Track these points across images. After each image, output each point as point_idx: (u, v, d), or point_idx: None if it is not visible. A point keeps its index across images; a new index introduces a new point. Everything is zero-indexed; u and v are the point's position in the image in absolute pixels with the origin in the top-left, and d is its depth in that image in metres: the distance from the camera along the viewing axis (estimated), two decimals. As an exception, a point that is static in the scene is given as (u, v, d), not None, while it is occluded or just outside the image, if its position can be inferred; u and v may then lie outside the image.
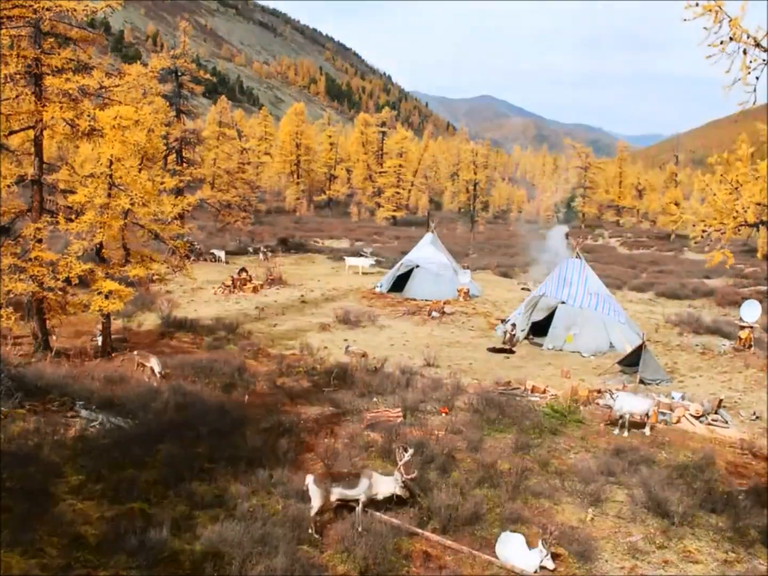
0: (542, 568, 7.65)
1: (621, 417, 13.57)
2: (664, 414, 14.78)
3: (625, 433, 13.31)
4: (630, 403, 13.64)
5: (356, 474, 8.86)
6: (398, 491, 8.84)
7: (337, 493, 8.52)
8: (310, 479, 8.50)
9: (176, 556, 7.29)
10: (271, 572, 7.09)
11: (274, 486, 9.35)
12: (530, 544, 8.14)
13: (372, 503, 8.90)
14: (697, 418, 14.74)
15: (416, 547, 8.36)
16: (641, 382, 17.67)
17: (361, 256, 39.15)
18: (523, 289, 32.66)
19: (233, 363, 15.89)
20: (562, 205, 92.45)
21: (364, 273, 34.05)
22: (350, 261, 35.41)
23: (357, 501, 8.71)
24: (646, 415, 13.79)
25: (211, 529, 7.86)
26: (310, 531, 8.25)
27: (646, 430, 13.67)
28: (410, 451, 9.09)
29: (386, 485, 8.79)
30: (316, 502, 8.39)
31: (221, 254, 35.76)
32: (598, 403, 15.23)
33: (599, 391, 15.92)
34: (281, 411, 13.07)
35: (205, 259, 34.96)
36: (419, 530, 8.73)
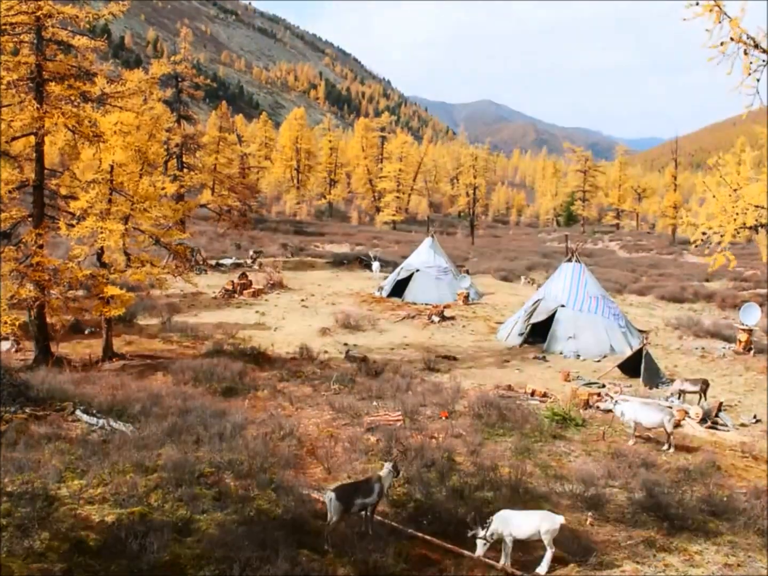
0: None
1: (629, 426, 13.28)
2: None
3: (631, 442, 13.13)
4: (633, 411, 13.17)
5: (367, 480, 8.79)
6: (392, 477, 8.98)
7: (358, 504, 8.43)
8: (332, 495, 8.27)
9: (177, 560, 7.29)
10: (272, 575, 7.10)
11: (275, 489, 9.37)
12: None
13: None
14: (697, 421, 14.75)
15: (416, 551, 8.36)
16: (647, 386, 17.65)
17: (363, 260, 39.28)
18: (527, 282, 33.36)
19: (234, 367, 15.92)
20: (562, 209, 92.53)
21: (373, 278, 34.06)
22: (375, 266, 35.49)
23: (371, 505, 8.66)
24: (665, 429, 12.93)
25: (212, 533, 7.88)
26: (326, 547, 8.03)
27: (666, 447, 12.84)
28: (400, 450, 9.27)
29: (388, 479, 8.86)
30: (336, 517, 8.22)
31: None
32: (598, 407, 15.22)
33: (599, 395, 15.92)
34: (282, 415, 13.09)
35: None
36: (419, 533, 8.73)
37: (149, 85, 18.17)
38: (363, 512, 8.65)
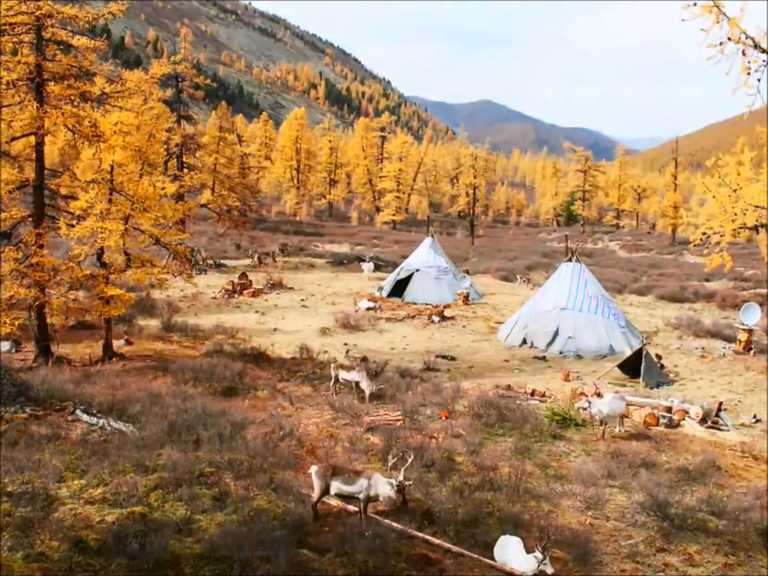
0: (541, 572, 7.61)
1: (603, 420, 13.52)
2: (664, 417, 14.79)
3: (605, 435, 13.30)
4: (605, 405, 13.52)
5: (357, 472, 9.18)
6: (392, 495, 8.83)
7: (335, 486, 8.87)
8: (313, 469, 9.06)
9: (177, 560, 7.30)
10: (272, 575, 7.11)
11: (275, 489, 9.37)
12: (530, 548, 8.13)
13: (371, 504, 8.93)
14: (697, 421, 14.76)
15: (416, 551, 8.36)
16: (648, 386, 17.69)
17: (363, 261, 39.27)
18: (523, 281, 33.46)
19: (233, 367, 15.92)
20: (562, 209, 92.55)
21: (377, 278, 34.04)
22: (366, 266, 35.43)
23: (357, 500, 8.85)
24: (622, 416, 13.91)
25: (211, 533, 7.89)
26: (311, 512, 8.83)
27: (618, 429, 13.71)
28: (411, 457, 9.23)
29: (384, 488, 8.83)
30: (316, 491, 8.91)
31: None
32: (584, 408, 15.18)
33: (599, 395, 15.92)
34: (281, 415, 13.09)
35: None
36: (419, 533, 8.73)
37: (149, 85, 18.17)
38: (344, 502, 8.93)
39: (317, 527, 8.49)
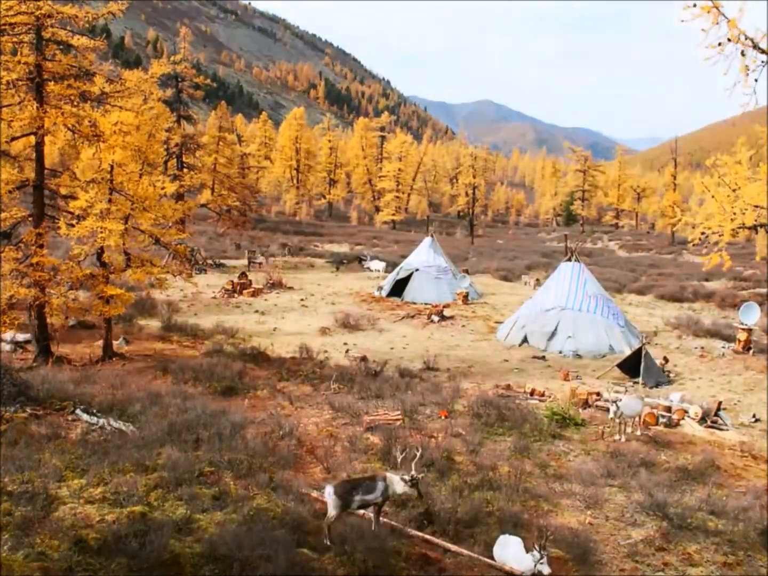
0: (538, 572, 7.59)
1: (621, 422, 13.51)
2: (663, 417, 14.80)
3: (622, 438, 13.27)
4: (624, 405, 13.52)
5: (372, 477, 8.66)
6: (408, 491, 8.59)
7: (358, 500, 8.32)
8: (329, 489, 8.21)
9: (177, 559, 7.31)
10: (271, 575, 7.12)
11: (274, 489, 9.39)
12: (530, 548, 8.13)
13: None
14: (697, 420, 14.77)
15: (416, 550, 8.37)
16: (647, 385, 17.73)
17: (363, 260, 39.32)
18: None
19: (233, 367, 15.94)
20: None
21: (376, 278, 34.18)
22: (380, 265, 35.87)
23: (373, 505, 8.53)
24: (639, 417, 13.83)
25: (211, 532, 7.90)
26: (325, 541, 8.07)
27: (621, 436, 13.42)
28: (419, 452, 8.99)
29: (399, 486, 8.56)
30: (334, 512, 8.15)
31: None
32: (601, 407, 15.20)
33: (598, 394, 15.94)
34: (281, 415, 13.11)
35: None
36: (419, 533, 8.75)
37: (149, 85, 18.19)
38: (363, 510, 8.63)
39: (317, 527, 8.49)
